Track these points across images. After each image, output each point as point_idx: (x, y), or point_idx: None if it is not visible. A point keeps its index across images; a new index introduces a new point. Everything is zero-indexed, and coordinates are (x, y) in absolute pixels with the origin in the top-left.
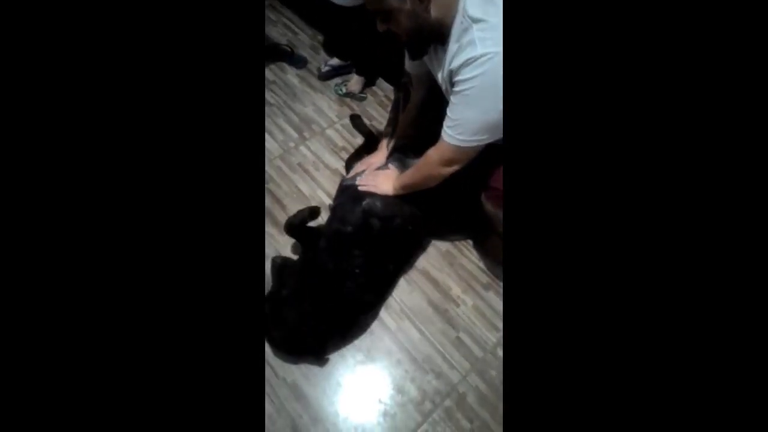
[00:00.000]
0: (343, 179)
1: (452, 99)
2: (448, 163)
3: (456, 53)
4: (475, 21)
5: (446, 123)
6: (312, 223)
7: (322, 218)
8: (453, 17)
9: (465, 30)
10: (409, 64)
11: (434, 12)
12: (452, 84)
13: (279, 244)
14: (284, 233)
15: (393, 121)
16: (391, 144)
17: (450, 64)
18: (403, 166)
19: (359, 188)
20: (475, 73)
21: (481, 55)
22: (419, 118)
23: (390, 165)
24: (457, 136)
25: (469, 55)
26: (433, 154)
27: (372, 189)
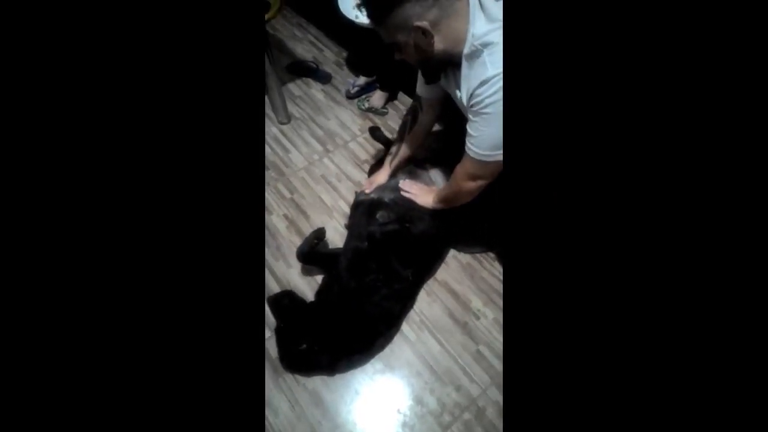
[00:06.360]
0: (357, 195)
1: (471, 117)
2: (472, 177)
3: (469, 76)
4: (484, 45)
5: (467, 139)
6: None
7: (334, 236)
8: (462, 44)
9: (475, 54)
10: (421, 89)
11: (440, 44)
12: (470, 105)
13: None
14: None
15: (399, 142)
16: (395, 164)
17: (466, 86)
18: (414, 177)
19: (402, 193)
20: (489, 92)
21: (493, 76)
22: (426, 141)
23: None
24: (477, 150)
25: (482, 78)
26: (458, 169)
27: (412, 198)
